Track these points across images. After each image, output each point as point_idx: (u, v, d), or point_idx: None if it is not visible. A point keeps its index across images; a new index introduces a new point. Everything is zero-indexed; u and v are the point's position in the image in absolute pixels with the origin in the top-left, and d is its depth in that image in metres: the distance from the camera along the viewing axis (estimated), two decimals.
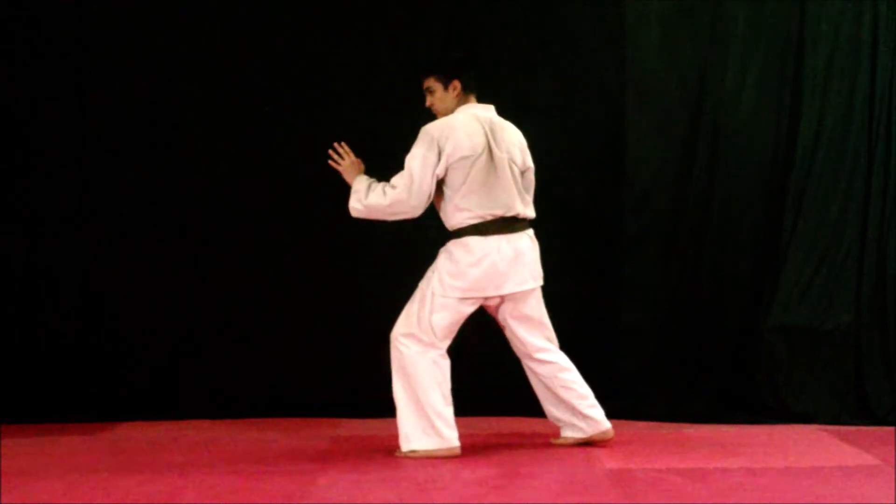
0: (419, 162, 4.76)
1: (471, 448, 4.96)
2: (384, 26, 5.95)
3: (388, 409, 5.94)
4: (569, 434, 5.01)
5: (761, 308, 5.82)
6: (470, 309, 4.86)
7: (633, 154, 5.92)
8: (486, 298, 4.85)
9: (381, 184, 4.86)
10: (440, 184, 4.82)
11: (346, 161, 4.98)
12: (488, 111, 4.93)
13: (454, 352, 5.94)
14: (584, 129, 5.85)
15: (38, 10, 5.90)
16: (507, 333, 4.97)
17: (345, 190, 5.92)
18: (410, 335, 4.84)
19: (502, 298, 4.86)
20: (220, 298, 5.99)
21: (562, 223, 5.71)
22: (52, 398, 5.86)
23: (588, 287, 5.92)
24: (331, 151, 4.98)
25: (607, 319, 5.95)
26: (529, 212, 4.93)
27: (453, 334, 4.88)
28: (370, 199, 4.84)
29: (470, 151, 4.77)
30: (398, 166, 5.87)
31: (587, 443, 4.98)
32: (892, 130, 5.82)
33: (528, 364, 4.98)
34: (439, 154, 4.75)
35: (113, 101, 5.95)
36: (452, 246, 4.85)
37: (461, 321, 4.87)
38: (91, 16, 5.93)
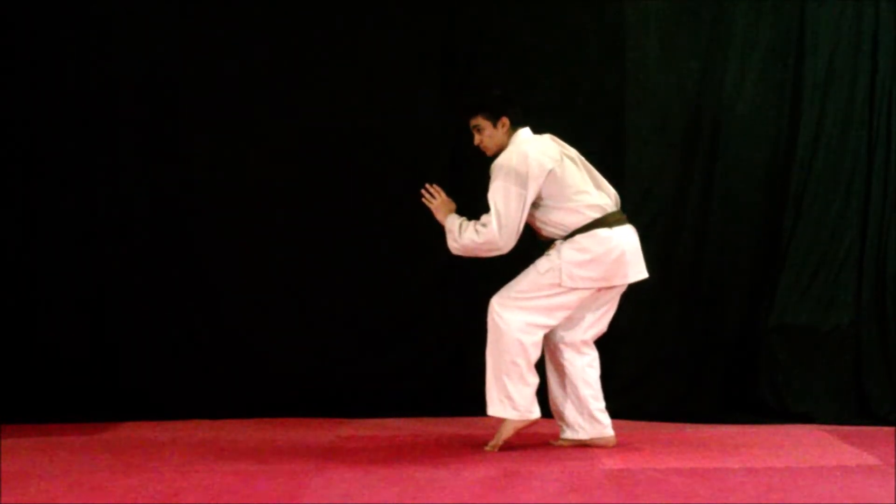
0: (503, 197, 4.81)
1: (471, 448, 4.96)
2: (385, 26, 5.96)
3: (388, 409, 5.96)
4: (569, 436, 5.02)
5: (761, 308, 5.82)
6: (587, 295, 4.92)
7: (633, 154, 5.93)
8: (611, 287, 4.93)
9: (472, 222, 4.91)
10: (536, 202, 4.88)
11: (437, 200, 5.03)
12: (529, 133, 5.02)
13: (455, 351, 5.96)
14: (584, 129, 5.84)
15: (39, 10, 5.90)
16: (574, 314, 4.97)
17: (349, 190, 5.95)
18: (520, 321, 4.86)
19: (612, 287, 4.95)
20: (220, 298, 6.00)
21: None
22: (52, 398, 5.86)
23: None
24: (423, 191, 5.03)
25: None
26: (618, 198, 5.09)
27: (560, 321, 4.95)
28: (464, 238, 4.90)
29: (552, 163, 4.86)
30: (400, 166, 5.89)
31: (586, 445, 4.98)
32: (892, 130, 5.83)
33: (565, 353, 4.99)
34: (524, 183, 4.81)
35: (113, 100, 5.95)
36: (580, 238, 4.88)
37: (572, 310, 4.93)
38: (91, 15, 5.92)
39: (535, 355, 4.88)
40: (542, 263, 4.91)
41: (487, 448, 4.93)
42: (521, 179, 4.81)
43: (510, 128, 4.97)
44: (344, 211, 5.97)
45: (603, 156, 5.85)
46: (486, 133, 4.98)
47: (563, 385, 5.01)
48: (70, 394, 5.88)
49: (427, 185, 5.05)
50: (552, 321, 4.90)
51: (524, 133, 4.98)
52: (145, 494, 4.16)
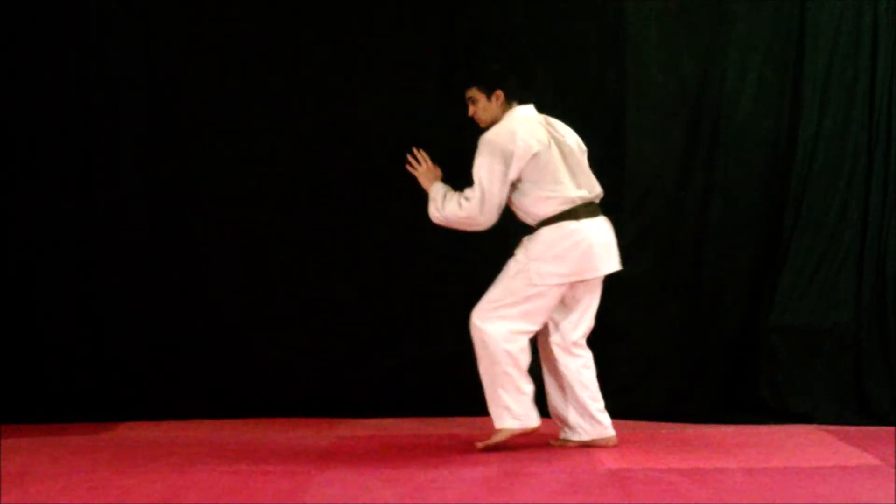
0: (486, 172, 4.81)
1: (471, 448, 4.96)
2: (385, 26, 5.95)
3: (387, 409, 5.95)
4: (569, 437, 5.01)
5: (761, 308, 5.82)
6: (561, 294, 4.88)
7: (633, 154, 5.93)
8: (584, 281, 4.89)
9: (457, 194, 4.91)
10: (514, 183, 4.85)
11: (423, 167, 5.04)
12: (531, 110, 5.00)
13: (454, 352, 5.95)
14: (584, 129, 5.83)
15: (39, 10, 5.90)
16: (556, 317, 4.96)
17: (349, 190, 5.95)
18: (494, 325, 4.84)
19: (585, 281, 4.91)
20: (220, 298, 5.99)
21: None
22: (52, 398, 5.86)
23: None
24: (409, 157, 5.02)
25: (607, 319, 5.94)
26: (601, 191, 5.04)
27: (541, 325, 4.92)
28: (447, 209, 4.90)
29: (538, 146, 4.83)
30: (400, 166, 5.87)
31: (587, 445, 4.98)
32: (892, 130, 5.82)
33: (556, 353, 4.98)
34: (508, 161, 4.80)
35: (113, 100, 5.95)
36: (545, 232, 4.86)
37: (552, 310, 4.91)
38: (92, 15, 5.92)
39: (526, 361, 4.87)
40: (511, 266, 4.90)
41: (479, 446, 4.92)
42: (506, 158, 4.80)
43: (505, 102, 4.95)
44: (343, 210, 5.96)
45: (603, 156, 5.86)
46: (480, 105, 4.97)
47: (561, 388, 5.00)
48: (70, 394, 5.88)
49: (414, 150, 5.03)
50: (534, 325, 4.88)
51: (520, 110, 4.96)
52: (145, 494, 4.16)
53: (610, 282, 5.94)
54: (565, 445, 5.01)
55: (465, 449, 4.89)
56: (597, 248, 4.89)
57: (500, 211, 4.86)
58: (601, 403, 5.00)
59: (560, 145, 4.93)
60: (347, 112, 5.91)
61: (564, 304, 4.96)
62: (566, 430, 5.02)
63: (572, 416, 4.99)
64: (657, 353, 5.92)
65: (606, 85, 5.95)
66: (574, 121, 5.79)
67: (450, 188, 4.95)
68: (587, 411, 4.96)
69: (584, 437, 4.98)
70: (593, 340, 5.78)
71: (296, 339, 5.96)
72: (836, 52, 5.83)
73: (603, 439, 4.98)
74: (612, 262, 4.97)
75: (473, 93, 4.99)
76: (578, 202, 4.88)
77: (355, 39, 5.95)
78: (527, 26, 5.95)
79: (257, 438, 5.36)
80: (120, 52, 5.95)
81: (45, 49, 5.91)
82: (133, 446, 5.18)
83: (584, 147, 5.09)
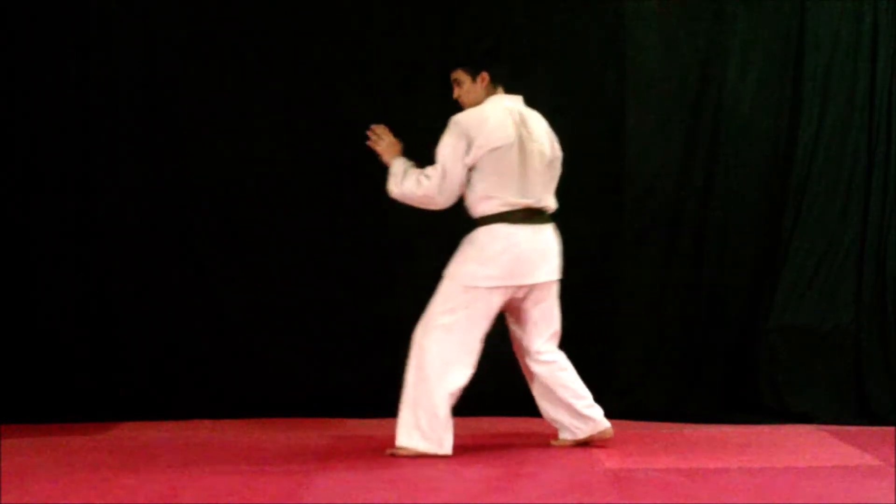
0: (449, 153, 4.76)
1: (471, 448, 4.96)
2: (385, 25, 5.95)
3: (387, 409, 5.94)
4: (567, 436, 5.00)
5: (761, 308, 5.82)
6: (499, 301, 4.79)
7: (633, 154, 5.93)
8: (517, 288, 4.80)
9: (417, 171, 4.85)
10: (468, 171, 4.80)
11: (384, 141, 4.99)
12: (517, 102, 4.93)
13: None
14: (584, 129, 5.85)
15: (39, 10, 5.90)
16: (515, 329, 4.95)
17: (349, 190, 5.95)
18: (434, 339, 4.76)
19: (528, 290, 4.82)
20: (220, 298, 6.00)
21: (562, 223, 5.70)
22: (52, 398, 5.86)
23: (588, 287, 5.91)
24: (369, 132, 4.98)
25: (607, 319, 5.95)
26: (553, 204, 4.96)
27: (482, 335, 4.80)
28: (405, 185, 4.85)
29: (501, 142, 4.76)
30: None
31: (586, 443, 4.98)
32: (892, 130, 5.83)
33: (528, 364, 4.96)
34: (469, 145, 4.74)
35: (114, 100, 5.95)
36: (479, 234, 4.82)
37: (491, 317, 4.81)
38: (92, 15, 5.92)
39: (454, 393, 4.78)
40: (447, 270, 4.85)
41: (387, 452, 4.83)
42: (469, 141, 4.74)
43: (490, 84, 4.89)
44: (343, 210, 5.96)
45: (603, 156, 5.87)
46: (465, 87, 4.90)
47: (542, 393, 4.96)
48: (70, 394, 5.88)
49: (373, 126, 4.99)
50: (473, 344, 4.76)
51: (502, 99, 4.87)
52: (145, 494, 4.16)
53: (610, 282, 5.97)
54: (565, 445, 5.00)
55: (465, 449, 4.89)
56: (529, 253, 4.79)
57: (458, 194, 4.78)
58: (588, 399, 4.93)
59: (524, 149, 4.80)
60: (347, 112, 5.91)
61: (517, 319, 4.91)
62: (563, 430, 5.01)
63: (563, 417, 4.95)
64: (657, 354, 5.92)
65: (606, 85, 5.95)
66: (574, 121, 5.80)
67: (412, 164, 4.89)
68: (575, 411, 4.92)
69: (581, 436, 4.96)
70: (593, 340, 5.80)
71: (296, 340, 5.96)
72: (836, 52, 5.84)
73: (599, 433, 4.94)
74: (547, 270, 4.85)
75: (458, 74, 4.91)
76: (518, 207, 4.78)
77: (355, 39, 5.95)
78: (527, 26, 5.95)
79: (257, 438, 5.36)
80: (120, 52, 5.95)
81: (45, 49, 5.91)
82: (133, 446, 5.18)
83: (558, 153, 4.98)
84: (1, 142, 5.93)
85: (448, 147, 4.77)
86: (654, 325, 5.92)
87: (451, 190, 4.77)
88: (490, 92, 4.90)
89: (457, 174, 4.76)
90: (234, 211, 5.98)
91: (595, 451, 4.89)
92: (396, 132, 5.89)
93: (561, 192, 5.76)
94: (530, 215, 4.83)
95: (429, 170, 4.80)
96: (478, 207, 4.82)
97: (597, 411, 4.96)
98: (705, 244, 5.90)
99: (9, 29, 5.91)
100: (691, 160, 5.91)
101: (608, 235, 5.95)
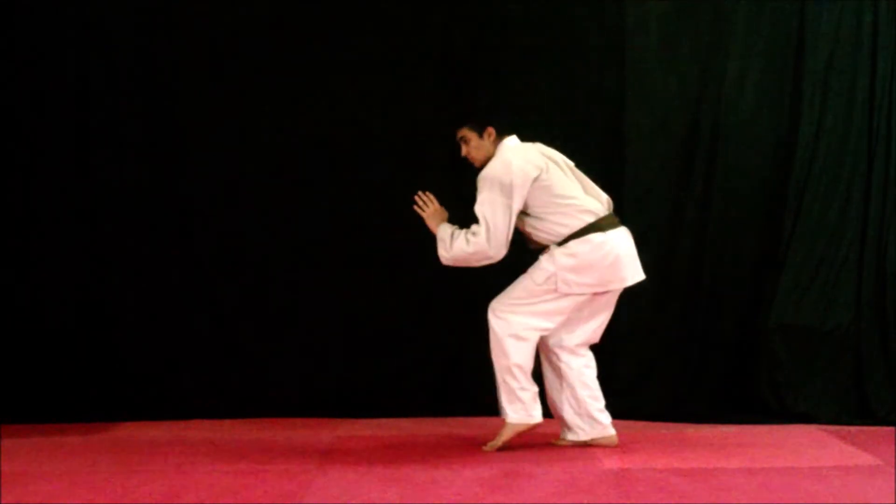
0: (490, 208, 4.83)
1: (471, 448, 4.96)
2: (385, 25, 5.95)
3: (387, 409, 5.95)
4: (569, 437, 5.02)
5: (761, 308, 5.82)
6: (585, 298, 4.92)
7: (633, 154, 5.93)
8: (606, 292, 4.93)
9: (463, 231, 4.93)
10: (524, 211, 4.89)
11: (429, 209, 5.05)
12: (516, 141, 5.02)
13: (455, 352, 5.96)
14: (584, 129, 5.85)
15: (39, 10, 5.90)
16: (573, 322, 4.98)
17: (349, 191, 5.95)
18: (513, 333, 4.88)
19: (608, 292, 4.95)
20: (220, 298, 5.99)
21: None
22: (52, 398, 5.86)
23: None
24: (416, 198, 5.05)
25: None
26: (608, 199, 5.08)
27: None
28: (455, 247, 4.92)
29: (537, 171, 4.87)
30: (400, 166, 5.89)
31: (586, 444, 4.98)
32: (892, 130, 5.83)
33: (559, 354, 4.99)
34: (510, 191, 4.82)
35: (114, 101, 5.95)
36: (574, 245, 4.87)
37: (574, 309, 4.94)
38: (92, 14, 5.92)
39: (531, 358, 4.89)
40: (537, 273, 4.91)
41: (486, 448, 4.93)
42: (506, 189, 4.82)
43: (496, 137, 4.98)
44: (344, 211, 5.96)
45: (603, 156, 5.87)
46: (473, 144, 4.99)
47: (560, 388, 5.01)
48: (70, 394, 5.88)
49: (420, 193, 5.06)
50: (549, 324, 4.91)
51: (510, 142, 4.99)
52: (145, 494, 4.16)
53: None
54: (565, 445, 5.01)
55: (465, 449, 4.89)
56: (624, 258, 4.92)
57: (507, 243, 4.86)
58: (601, 403, 5.01)
59: (558, 164, 4.96)
60: (347, 112, 5.91)
61: (579, 310, 4.96)
62: (566, 429, 5.02)
63: (569, 414, 4.99)
64: (657, 354, 5.92)
65: (606, 85, 5.95)
66: (574, 121, 5.81)
67: (457, 228, 4.97)
68: (585, 410, 4.97)
69: (583, 437, 4.99)
70: None
71: (296, 339, 5.96)
72: (836, 52, 5.84)
73: (603, 438, 4.99)
74: (636, 271, 5.00)
75: (464, 132, 5.00)
76: (599, 213, 4.91)
77: (355, 39, 5.95)
78: (527, 26, 5.95)
79: (257, 438, 5.36)
80: (120, 52, 5.94)
81: (45, 49, 5.90)
82: (133, 446, 5.18)
83: (570, 163, 5.08)
84: (1, 142, 5.92)
85: (486, 203, 4.84)
86: (654, 326, 5.91)
87: (500, 241, 4.84)
88: (497, 143, 4.98)
89: (501, 226, 4.83)
90: (235, 211, 5.98)
91: (595, 451, 4.90)
92: (396, 132, 5.91)
93: None
94: (612, 220, 4.96)
95: (474, 227, 4.88)
96: (561, 229, 4.90)
97: (606, 417, 5.01)
98: (705, 244, 5.90)
99: (9, 29, 5.90)
100: (691, 160, 5.91)
101: None
